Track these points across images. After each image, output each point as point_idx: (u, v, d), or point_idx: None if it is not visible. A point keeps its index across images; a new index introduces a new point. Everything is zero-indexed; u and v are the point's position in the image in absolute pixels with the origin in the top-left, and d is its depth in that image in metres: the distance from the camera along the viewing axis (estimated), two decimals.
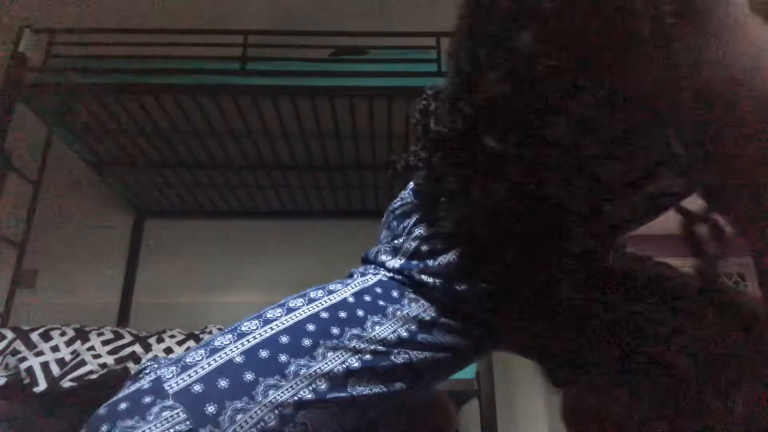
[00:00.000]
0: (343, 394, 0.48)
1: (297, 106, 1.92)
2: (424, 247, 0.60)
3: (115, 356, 1.49)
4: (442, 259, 0.59)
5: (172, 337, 1.62)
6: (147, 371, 0.46)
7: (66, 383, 1.41)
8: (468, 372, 1.66)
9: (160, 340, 1.59)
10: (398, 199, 0.68)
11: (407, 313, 0.56)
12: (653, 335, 0.51)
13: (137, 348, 1.54)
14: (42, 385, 1.40)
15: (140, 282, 2.54)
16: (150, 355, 1.54)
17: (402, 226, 0.64)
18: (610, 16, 0.36)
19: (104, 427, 0.41)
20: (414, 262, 0.60)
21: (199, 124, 2.02)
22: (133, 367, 1.48)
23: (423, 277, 0.59)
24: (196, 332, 1.68)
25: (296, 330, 0.50)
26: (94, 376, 1.43)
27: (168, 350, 1.56)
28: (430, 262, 0.59)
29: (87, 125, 1.99)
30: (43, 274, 2.47)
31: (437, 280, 0.58)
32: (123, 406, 0.42)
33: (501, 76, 0.41)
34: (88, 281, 2.49)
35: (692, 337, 0.49)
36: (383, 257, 0.62)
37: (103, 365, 1.46)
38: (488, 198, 0.46)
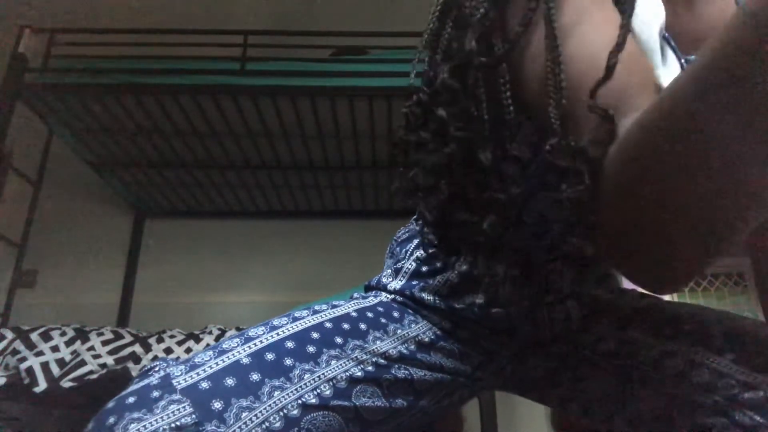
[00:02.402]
0: (346, 403, 0.49)
1: (297, 106, 1.92)
2: (424, 268, 0.62)
3: (115, 356, 1.49)
4: (441, 278, 0.60)
5: (172, 337, 1.62)
6: (156, 369, 0.47)
7: (66, 383, 1.41)
8: None
9: (160, 340, 1.59)
10: (401, 228, 0.70)
11: (407, 332, 0.58)
12: (645, 360, 0.53)
13: (137, 348, 1.54)
14: (42, 385, 1.40)
15: (140, 282, 2.54)
16: (150, 355, 1.54)
17: (404, 250, 0.66)
18: None
19: (111, 419, 0.42)
20: (414, 282, 0.62)
21: (199, 124, 2.02)
22: (133, 367, 1.48)
23: (423, 295, 0.61)
24: (196, 332, 1.68)
25: (301, 337, 0.51)
26: (94, 376, 1.43)
27: (168, 350, 1.56)
28: (430, 281, 0.61)
29: (87, 125, 1.99)
30: (43, 274, 2.47)
31: (437, 298, 0.60)
32: (131, 399, 0.43)
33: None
34: (88, 281, 2.49)
35: (683, 359, 0.50)
36: (385, 280, 0.64)
37: (103, 365, 1.46)
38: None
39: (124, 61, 1.89)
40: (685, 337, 0.52)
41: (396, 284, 0.63)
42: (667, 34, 0.51)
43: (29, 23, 1.90)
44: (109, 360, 1.48)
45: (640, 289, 0.66)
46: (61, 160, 2.31)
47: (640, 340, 0.55)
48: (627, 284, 0.67)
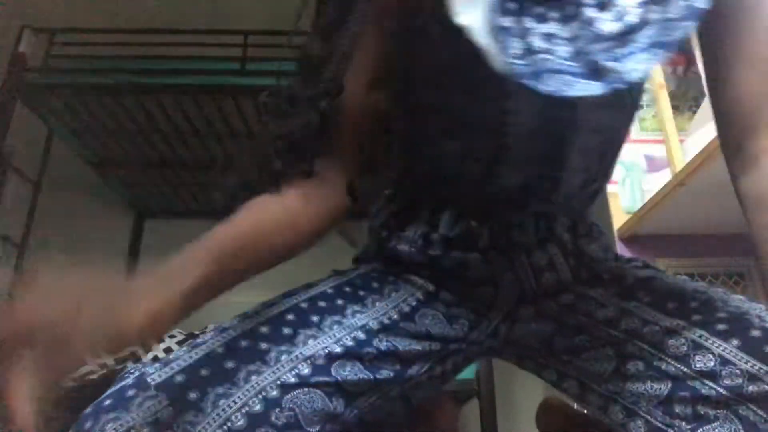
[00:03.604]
0: (327, 378, 0.49)
1: None
2: (393, 222, 0.62)
3: (115, 356, 1.49)
4: (411, 231, 0.59)
5: (172, 337, 1.62)
6: (131, 371, 0.48)
7: (66, 383, 1.41)
8: (468, 372, 1.66)
9: (160, 340, 1.59)
10: None
11: (386, 303, 0.57)
12: (646, 336, 0.51)
13: (137, 348, 1.54)
14: None
15: None
16: (150, 355, 1.54)
17: (377, 208, 0.66)
18: None
19: (88, 423, 0.42)
20: (386, 235, 0.61)
21: (199, 124, 2.02)
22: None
23: (399, 247, 0.59)
24: (196, 332, 1.68)
25: (276, 320, 0.52)
26: (94, 376, 1.43)
27: (168, 350, 1.56)
28: (401, 233, 0.60)
29: (87, 125, 1.99)
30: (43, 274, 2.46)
31: (413, 248, 0.58)
32: (107, 402, 0.44)
33: None
34: None
35: (686, 340, 0.48)
36: (364, 245, 0.65)
37: (103, 365, 1.46)
38: None
39: (124, 61, 1.89)
40: (689, 315, 0.50)
41: (373, 244, 0.63)
42: None
43: (29, 23, 1.89)
44: (109, 360, 1.48)
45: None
46: (61, 160, 2.30)
47: (641, 312, 0.53)
48: (627, 252, 0.65)
